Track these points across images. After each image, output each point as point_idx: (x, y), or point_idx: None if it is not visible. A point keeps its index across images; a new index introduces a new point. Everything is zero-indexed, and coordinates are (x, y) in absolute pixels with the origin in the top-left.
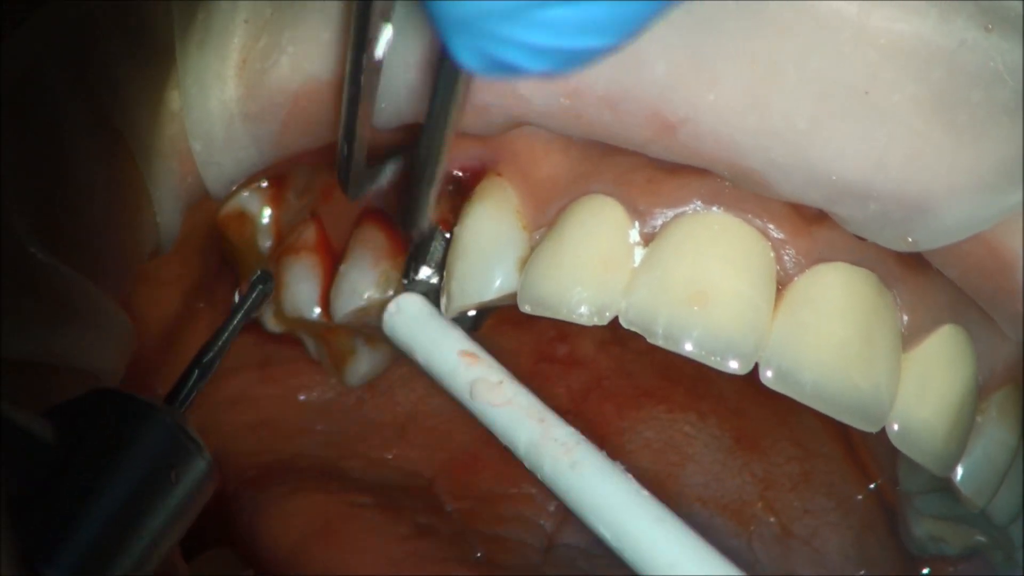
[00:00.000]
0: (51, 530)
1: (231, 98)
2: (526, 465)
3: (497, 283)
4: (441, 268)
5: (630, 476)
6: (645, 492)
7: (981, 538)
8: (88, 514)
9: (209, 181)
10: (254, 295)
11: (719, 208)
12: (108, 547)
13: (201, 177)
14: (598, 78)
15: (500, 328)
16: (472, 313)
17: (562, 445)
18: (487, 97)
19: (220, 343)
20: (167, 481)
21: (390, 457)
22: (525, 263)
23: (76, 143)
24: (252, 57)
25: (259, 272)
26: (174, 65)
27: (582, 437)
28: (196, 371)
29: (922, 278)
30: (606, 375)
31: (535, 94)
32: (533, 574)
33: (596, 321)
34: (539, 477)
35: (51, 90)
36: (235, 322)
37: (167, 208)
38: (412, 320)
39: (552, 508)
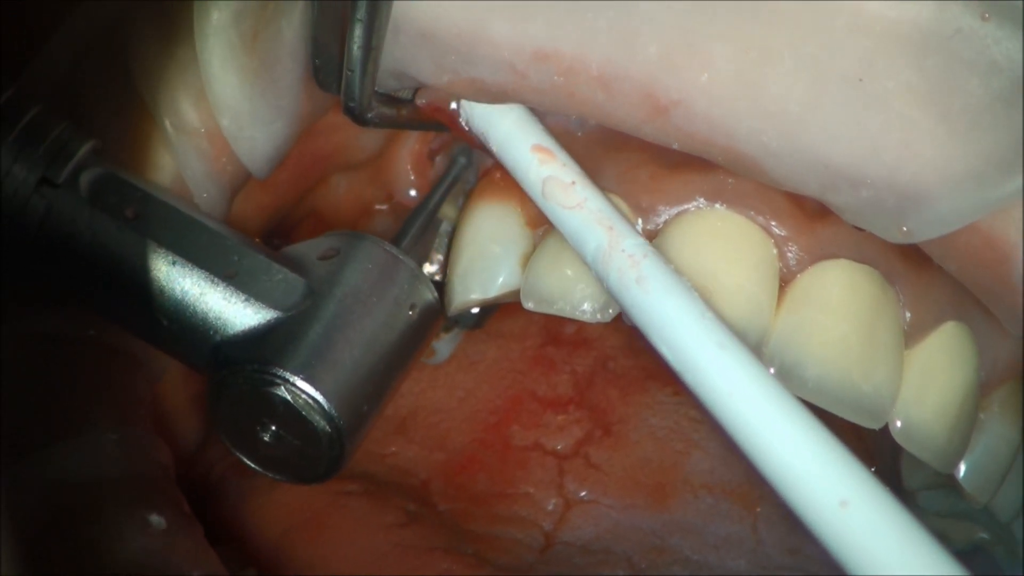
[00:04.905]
0: (314, 353)
1: (248, 71)
2: (593, 273)
3: (500, 280)
4: (444, 264)
5: (696, 295)
6: (710, 314)
7: (983, 535)
8: (345, 341)
9: (244, 158)
10: (459, 166)
11: (722, 205)
12: (362, 368)
13: (237, 156)
14: (592, 57)
15: (509, 307)
16: (475, 310)
17: (629, 257)
18: (482, 72)
19: (430, 207)
20: (407, 315)
21: (386, 453)
22: (528, 260)
23: (109, 126)
24: (260, 26)
25: (460, 147)
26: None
27: (651, 249)
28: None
29: (925, 275)
30: (612, 355)
31: (530, 70)
32: (524, 573)
33: (600, 318)
34: (605, 287)
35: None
36: (446, 182)
37: (203, 191)
38: (489, 108)
39: (551, 507)
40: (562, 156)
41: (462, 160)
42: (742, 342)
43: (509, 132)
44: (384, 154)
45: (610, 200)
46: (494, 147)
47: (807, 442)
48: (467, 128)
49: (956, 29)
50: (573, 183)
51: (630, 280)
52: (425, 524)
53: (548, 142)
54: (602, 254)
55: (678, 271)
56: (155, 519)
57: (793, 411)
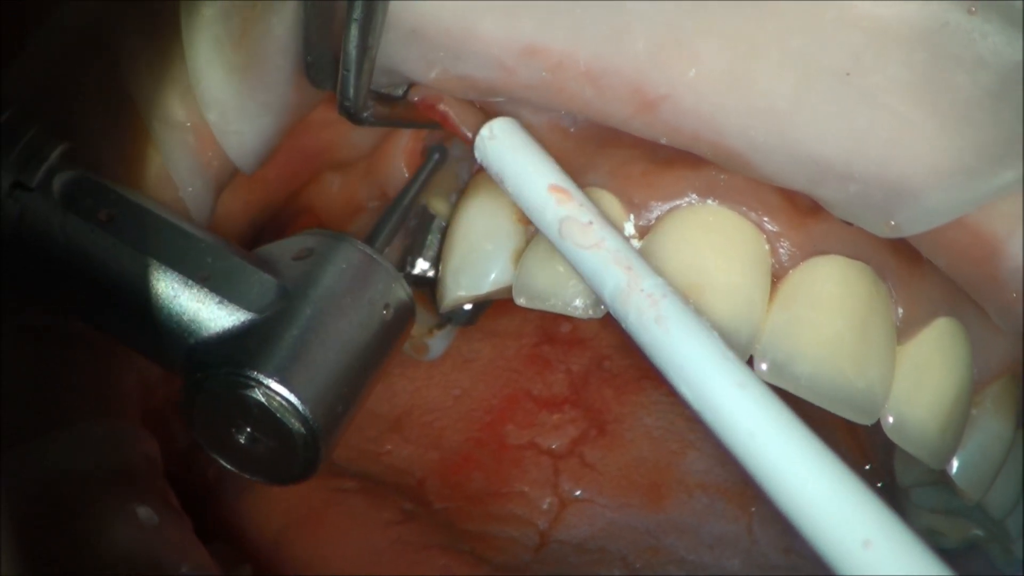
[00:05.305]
0: (288, 355)
1: (236, 67)
2: (611, 313)
3: (492, 276)
4: (437, 261)
5: (716, 335)
6: (731, 354)
7: (978, 531)
8: (320, 342)
9: (232, 152)
10: (432, 162)
11: (714, 201)
12: (337, 369)
13: (223, 150)
14: (580, 53)
15: (505, 305)
16: (468, 306)
17: (648, 296)
18: (471, 69)
19: (404, 204)
20: (382, 315)
21: (382, 452)
22: (520, 256)
23: (94, 120)
24: (249, 24)
25: (435, 144)
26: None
27: (669, 289)
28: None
29: (917, 270)
30: (607, 354)
31: (518, 66)
32: (519, 571)
33: (591, 314)
34: (624, 327)
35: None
36: (419, 179)
37: (188, 184)
38: (505, 147)
39: (546, 506)
40: (579, 196)
41: (436, 156)
42: (762, 382)
43: (524, 172)
44: (377, 151)
45: (627, 242)
46: (509, 187)
47: (829, 482)
48: (480, 161)
49: (943, 23)
50: (590, 223)
51: (649, 320)
52: (422, 522)
53: (564, 182)
54: (621, 294)
55: (698, 314)
56: (142, 511)
57: (815, 451)
